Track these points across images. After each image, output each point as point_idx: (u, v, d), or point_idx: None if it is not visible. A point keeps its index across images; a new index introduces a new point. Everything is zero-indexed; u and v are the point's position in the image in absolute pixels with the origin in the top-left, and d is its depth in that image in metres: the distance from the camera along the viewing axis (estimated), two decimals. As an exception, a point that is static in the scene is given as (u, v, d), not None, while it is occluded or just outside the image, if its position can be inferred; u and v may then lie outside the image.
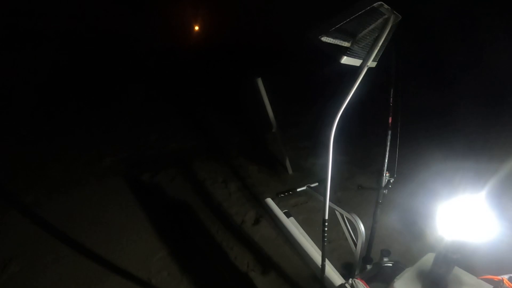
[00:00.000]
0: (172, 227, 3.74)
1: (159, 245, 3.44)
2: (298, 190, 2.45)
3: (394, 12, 1.27)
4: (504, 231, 1.84)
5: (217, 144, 5.96)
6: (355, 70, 1.38)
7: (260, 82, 3.96)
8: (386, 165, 2.07)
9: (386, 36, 1.34)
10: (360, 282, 1.82)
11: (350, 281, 1.83)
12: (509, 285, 1.42)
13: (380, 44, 1.33)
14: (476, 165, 3.66)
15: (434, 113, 6.04)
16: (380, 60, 1.53)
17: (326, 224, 1.64)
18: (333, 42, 1.38)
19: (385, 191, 2.23)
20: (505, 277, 1.48)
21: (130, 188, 4.49)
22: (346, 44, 1.42)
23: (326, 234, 1.66)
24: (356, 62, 1.38)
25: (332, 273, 2.00)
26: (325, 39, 1.32)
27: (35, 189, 4.49)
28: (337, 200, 3.93)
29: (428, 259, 1.88)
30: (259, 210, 3.92)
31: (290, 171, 4.75)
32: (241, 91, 6.99)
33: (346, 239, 2.18)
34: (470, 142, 4.82)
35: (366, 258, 2.46)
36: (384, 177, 2.12)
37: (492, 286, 1.49)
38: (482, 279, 1.63)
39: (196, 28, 12.65)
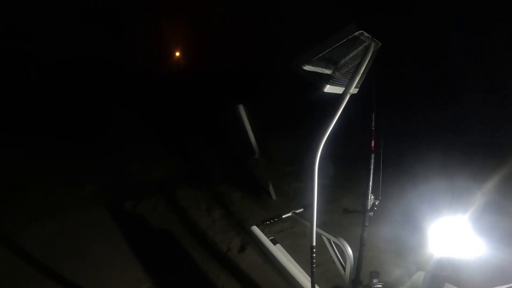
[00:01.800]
0: (156, 257, 3.65)
1: (144, 276, 3.34)
2: (283, 216, 2.46)
3: (375, 39, 1.31)
4: (490, 249, 1.89)
5: (199, 171, 5.93)
6: (338, 97, 1.41)
7: (241, 108, 4.00)
8: (370, 188, 2.09)
9: (367, 63, 1.38)
10: (351, 308, 1.82)
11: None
12: None
13: (361, 71, 1.38)
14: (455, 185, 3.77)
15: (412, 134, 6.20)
16: (362, 86, 1.57)
17: (314, 250, 1.63)
18: (315, 70, 1.41)
19: (371, 214, 2.25)
20: None
21: (112, 218, 4.39)
22: (328, 71, 1.46)
23: (314, 260, 1.65)
24: (339, 90, 1.42)
25: (322, 299, 1.99)
26: (307, 68, 1.35)
27: (14, 216, 4.38)
28: (323, 224, 3.93)
29: (418, 278, 1.90)
30: (244, 237, 3.87)
31: (273, 197, 4.75)
32: (222, 118, 7.03)
33: (334, 262, 2.18)
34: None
35: (356, 281, 2.45)
36: (369, 199, 2.14)
37: None
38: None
39: (177, 54, 12.75)
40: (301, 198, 4.69)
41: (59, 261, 3.54)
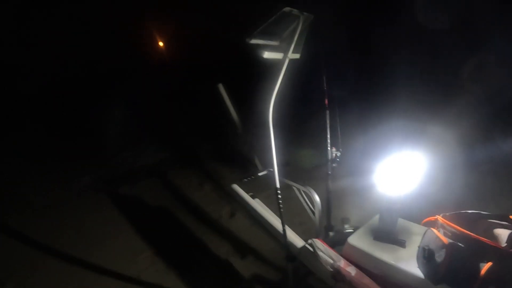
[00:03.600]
0: (154, 229, 3.98)
1: (144, 246, 3.67)
2: (259, 174, 2.77)
3: (303, 13, 1.60)
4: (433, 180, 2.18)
5: (189, 153, 6.21)
6: (279, 63, 1.71)
7: (221, 87, 4.25)
8: (329, 140, 2.41)
9: (299, 32, 1.67)
10: (319, 241, 2.13)
11: (309, 241, 2.15)
12: (442, 221, 1.71)
13: (295, 39, 1.66)
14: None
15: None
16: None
17: (279, 192, 1.95)
18: (262, 43, 1.70)
19: (334, 165, 2.57)
20: (439, 215, 1.77)
21: (110, 203, 4.66)
22: (275, 43, 1.75)
23: (280, 201, 1.97)
24: (278, 55, 1.71)
25: (294, 238, 2.31)
26: (253, 41, 1.64)
27: (15, 209, 4.63)
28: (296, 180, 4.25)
29: (376, 218, 2.21)
30: (234, 206, 4.20)
31: (260, 168, 5.04)
32: (204, 100, 7.26)
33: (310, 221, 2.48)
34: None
35: (328, 226, 2.79)
36: (330, 151, 2.46)
37: (430, 227, 1.78)
38: (424, 223, 1.95)
39: (160, 44, 12.83)
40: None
41: (64, 244, 3.81)
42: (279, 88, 1.70)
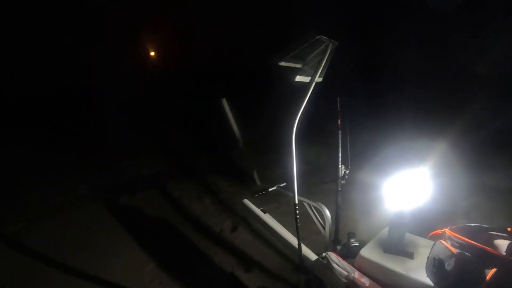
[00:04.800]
0: (156, 242, 4.01)
1: (147, 258, 3.69)
2: (269, 190, 2.87)
3: (332, 40, 1.74)
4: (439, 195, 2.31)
5: (188, 164, 6.29)
6: (306, 86, 1.84)
7: (225, 102, 4.39)
8: (340, 159, 2.54)
9: (327, 58, 1.81)
10: (333, 254, 2.24)
11: (323, 254, 2.25)
12: (450, 233, 1.85)
13: (323, 64, 1.80)
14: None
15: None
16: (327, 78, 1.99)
17: (297, 207, 2.05)
18: (289, 65, 1.83)
19: (343, 181, 2.69)
20: (447, 228, 1.91)
21: (110, 212, 4.70)
22: (298, 66, 1.88)
23: (298, 217, 2.07)
24: (306, 79, 1.85)
25: (308, 251, 2.41)
26: (282, 63, 1.77)
27: (15, 218, 4.62)
28: (304, 194, 4.36)
29: (384, 232, 2.33)
30: (235, 219, 4.29)
31: (258, 183, 5.14)
32: (205, 113, 7.37)
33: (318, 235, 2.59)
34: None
35: (335, 240, 2.90)
36: (340, 168, 2.59)
37: (437, 240, 1.91)
38: (430, 236, 2.07)
39: (153, 54, 12.95)
40: (284, 181, 5.11)
41: (65, 254, 3.82)
42: (303, 109, 1.82)
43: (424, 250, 1.98)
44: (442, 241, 1.86)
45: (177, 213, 4.58)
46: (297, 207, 2.05)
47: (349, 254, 2.60)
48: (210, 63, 11.26)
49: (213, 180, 5.47)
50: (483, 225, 1.91)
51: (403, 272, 1.95)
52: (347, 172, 2.65)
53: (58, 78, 10.41)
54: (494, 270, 1.61)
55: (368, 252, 2.15)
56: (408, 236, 2.25)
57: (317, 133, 5.93)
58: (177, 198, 4.98)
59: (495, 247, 1.77)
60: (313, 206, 2.57)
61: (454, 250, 1.74)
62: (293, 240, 2.47)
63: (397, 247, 2.13)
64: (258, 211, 2.82)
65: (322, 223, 2.56)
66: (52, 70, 10.37)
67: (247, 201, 2.96)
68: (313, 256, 2.36)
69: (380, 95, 7.62)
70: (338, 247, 2.82)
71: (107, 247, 3.95)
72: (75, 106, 9.70)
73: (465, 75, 7.43)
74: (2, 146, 7.16)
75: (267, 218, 2.74)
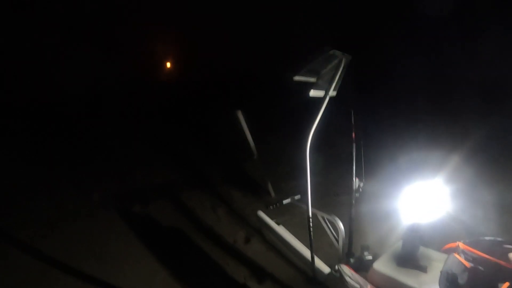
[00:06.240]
0: (168, 251, 4.03)
1: (159, 267, 3.72)
2: (284, 202, 2.89)
3: (345, 54, 1.77)
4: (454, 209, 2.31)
5: (201, 175, 6.31)
6: (320, 100, 1.87)
7: (240, 114, 4.43)
8: (354, 172, 2.55)
9: (341, 72, 1.84)
10: (345, 267, 2.24)
11: (336, 267, 2.25)
12: (463, 247, 1.85)
13: (337, 78, 1.83)
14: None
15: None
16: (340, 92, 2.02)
17: (311, 220, 2.07)
18: (303, 80, 1.86)
19: (357, 194, 2.70)
20: (460, 242, 1.91)
21: (123, 220, 4.72)
22: (312, 80, 1.92)
23: (311, 229, 2.09)
24: (320, 93, 1.87)
25: (321, 264, 2.41)
26: (297, 78, 1.81)
27: (27, 224, 4.64)
28: (317, 207, 4.35)
29: (398, 245, 2.33)
30: (248, 230, 4.29)
31: (272, 194, 5.16)
32: (220, 123, 7.41)
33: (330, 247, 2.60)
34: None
35: (349, 253, 2.89)
36: (354, 182, 2.59)
37: (452, 253, 1.91)
38: (444, 249, 2.07)
39: (169, 64, 13.09)
40: (297, 193, 5.11)
41: (78, 260, 3.85)
42: (318, 122, 1.84)
43: (438, 263, 1.97)
44: (456, 254, 1.86)
45: (190, 223, 4.60)
46: (310, 220, 2.06)
47: (362, 267, 2.59)
48: (221, 73, 11.33)
49: (226, 190, 5.48)
50: (497, 239, 1.90)
51: (416, 286, 1.94)
52: (361, 185, 2.65)
53: (72, 86, 10.50)
54: (507, 284, 1.60)
55: (381, 265, 2.15)
56: (422, 249, 2.24)
57: (330, 145, 5.94)
58: (190, 208, 5.00)
59: (509, 261, 1.75)
60: (327, 219, 2.58)
61: (468, 264, 1.73)
62: (306, 252, 2.48)
63: (411, 261, 2.13)
64: (272, 222, 2.84)
65: (336, 236, 2.56)
66: (70, 79, 10.51)
67: (261, 213, 2.99)
68: (326, 269, 2.37)
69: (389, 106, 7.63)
70: (352, 260, 2.81)
71: (120, 254, 3.98)
72: (89, 115, 9.77)
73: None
74: (17, 153, 7.24)
75: (281, 229, 2.76)
